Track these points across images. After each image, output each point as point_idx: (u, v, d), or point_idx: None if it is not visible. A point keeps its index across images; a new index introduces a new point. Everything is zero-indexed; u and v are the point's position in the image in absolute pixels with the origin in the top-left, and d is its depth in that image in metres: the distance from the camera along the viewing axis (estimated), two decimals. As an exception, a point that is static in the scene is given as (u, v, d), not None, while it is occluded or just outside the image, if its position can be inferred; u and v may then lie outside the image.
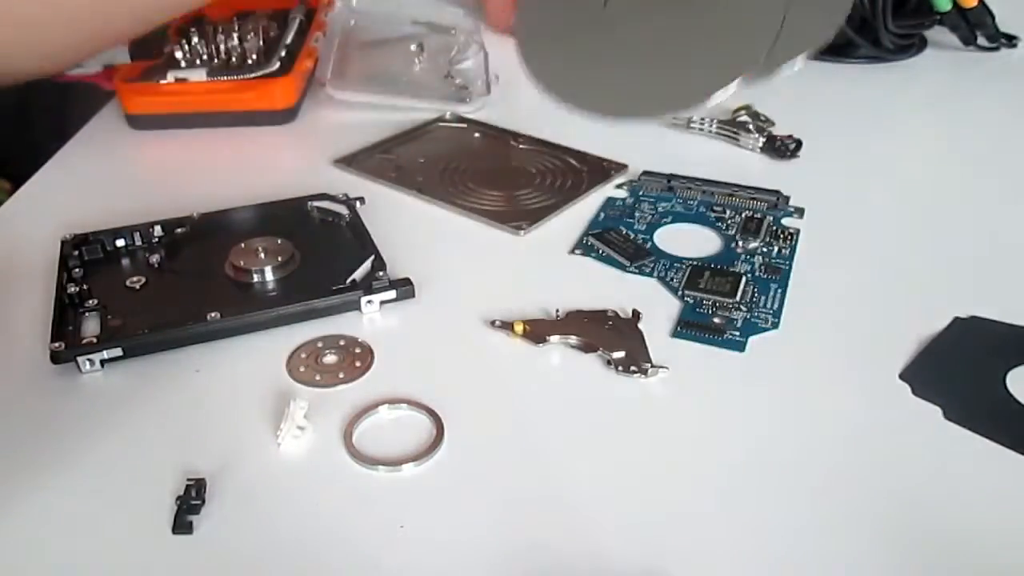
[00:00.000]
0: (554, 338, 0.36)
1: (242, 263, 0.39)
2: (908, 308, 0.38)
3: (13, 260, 0.43)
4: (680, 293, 0.39)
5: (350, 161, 0.51)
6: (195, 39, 0.59)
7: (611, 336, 0.36)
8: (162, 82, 0.56)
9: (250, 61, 0.59)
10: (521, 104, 0.61)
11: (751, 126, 0.53)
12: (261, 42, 0.60)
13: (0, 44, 0.37)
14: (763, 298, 0.38)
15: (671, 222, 0.45)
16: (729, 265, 0.41)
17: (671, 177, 0.48)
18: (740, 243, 0.43)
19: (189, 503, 0.28)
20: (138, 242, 0.42)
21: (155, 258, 0.40)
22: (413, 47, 0.63)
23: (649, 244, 0.43)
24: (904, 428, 0.32)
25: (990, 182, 0.50)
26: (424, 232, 0.45)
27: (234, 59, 0.59)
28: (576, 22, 0.30)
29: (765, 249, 0.42)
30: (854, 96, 0.61)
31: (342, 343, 0.36)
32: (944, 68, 0.67)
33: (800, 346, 0.36)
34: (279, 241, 0.40)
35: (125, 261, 0.41)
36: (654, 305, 0.38)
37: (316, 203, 0.45)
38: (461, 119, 0.57)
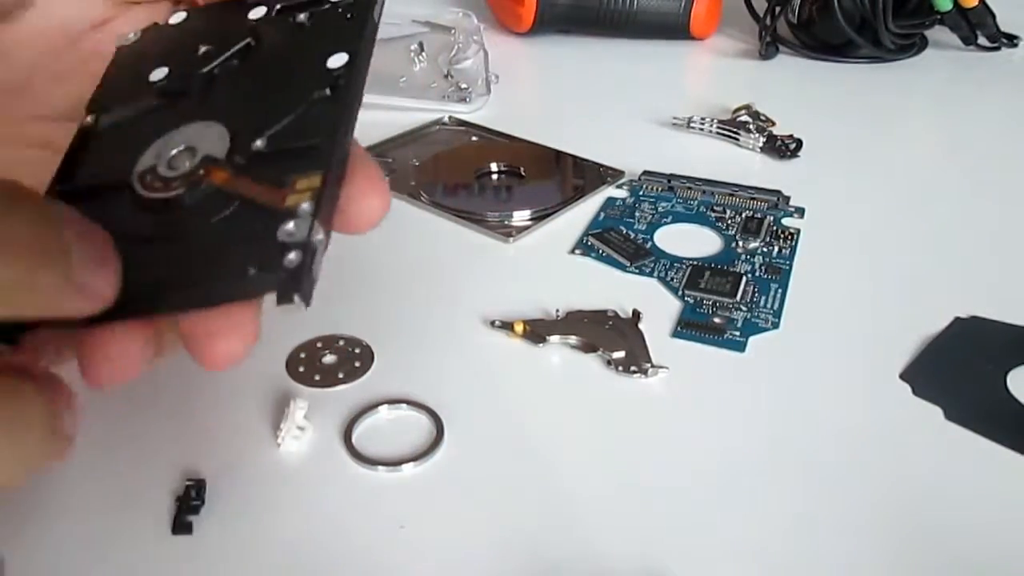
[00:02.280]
0: (554, 338, 0.36)
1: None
2: (908, 308, 0.38)
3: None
4: (680, 293, 0.39)
5: None
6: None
7: (611, 336, 0.36)
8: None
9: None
10: (520, 104, 0.61)
11: (751, 126, 0.53)
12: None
13: None
14: (763, 298, 0.38)
15: (671, 222, 0.45)
16: (729, 265, 0.41)
17: (671, 177, 0.48)
18: (740, 243, 0.43)
19: (189, 503, 0.28)
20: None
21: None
22: (413, 47, 0.63)
23: (649, 244, 0.43)
24: (904, 428, 0.32)
25: (990, 182, 0.50)
26: (422, 233, 0.44)
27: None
28: None
29: (765, 249, 0.42)
30: (854, 96, 0.61)
31: (342, 343, 0.36)
32: (944, 68, 0.67)
33: (800, 346, 0.36)
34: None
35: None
36: (654, 305, 0.38)
37: None
38: (460, 122, 0.57)
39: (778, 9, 0.67)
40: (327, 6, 0.24)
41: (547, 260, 0.42)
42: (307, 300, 0.18)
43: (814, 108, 0.59)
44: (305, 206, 0.19)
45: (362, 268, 0.41)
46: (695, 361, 0.35)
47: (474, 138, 0.55)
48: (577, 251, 0.42)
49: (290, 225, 0.19)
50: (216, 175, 0.20)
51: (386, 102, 0.58)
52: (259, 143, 0.21)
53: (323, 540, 0.27)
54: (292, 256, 0.18)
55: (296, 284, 0.18)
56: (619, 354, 0.35)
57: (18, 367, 0.18)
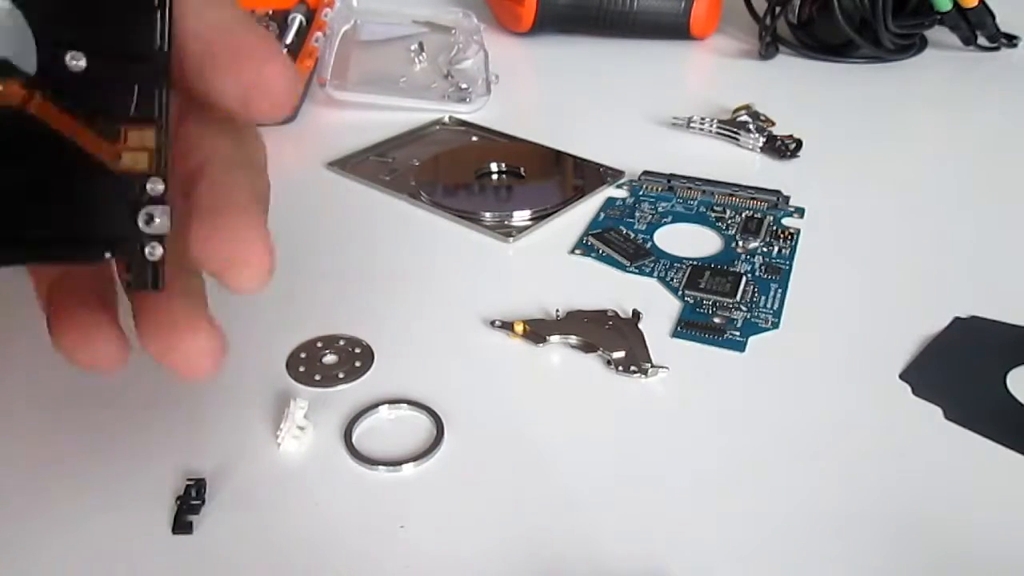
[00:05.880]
0: (554, 338, 0.36)
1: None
2: (908, 308, 0.38)
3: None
4: (680, 293, 0.39)
5: (344, 164, 0.51)
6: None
7: (611, 336, 0.36)
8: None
9: (250, 61, 0.58)
10: (520, 104, 0.61)
11: (751, 126, 0.53)
12: (261, 42, 0.60)
13: None
14: (763, 298, 0.38)
15: (671, 222, 0.45)
16: (729, 265, 0.41)
17: (671, 177, 0.48)
18: (740, 243, 0.43)
19: (189, 503, 0.28)
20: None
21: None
22: (413, 47, 0.63)
23: (649, 244, 0.43)
24: (904, 428, 0.32)
25: (990, 182, 0.50)
26: (422, 233, 0.44)
27: (234, 59, 0.59)
28: None
29: (765, 249, 0.42)
30: (854, 96, 0.61)
31: (342, 343, 0.36)
32: (944, 68, 0.67)
33: (800, 346, 0.36)
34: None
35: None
36: (654, 305, 0.38)
37: None
38: (460, 122, 0.57)
39: (778, 9, 0.67)
40: None
41: (547, 260, 0.42)
42: (162, 285, 0.17)
43: (814, 108, 0.59)
44: (160, 187, 0.16)
45: (362, 268, 0.41)
46: (695, 361, 0.35)
47: (474, 138, 0.55)
48: (577, 251, 0.42)
49: (155, 211, 0.16)
50: (21, 96, 0.16)
51: (386, 102, 0.58)
52: (75, 61, 0.16)
53: (323, 540, 0.27)
54: (156, 251, 0.16)
55: (156, 277, 0.16)
56: (619, 354, 0.35)
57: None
